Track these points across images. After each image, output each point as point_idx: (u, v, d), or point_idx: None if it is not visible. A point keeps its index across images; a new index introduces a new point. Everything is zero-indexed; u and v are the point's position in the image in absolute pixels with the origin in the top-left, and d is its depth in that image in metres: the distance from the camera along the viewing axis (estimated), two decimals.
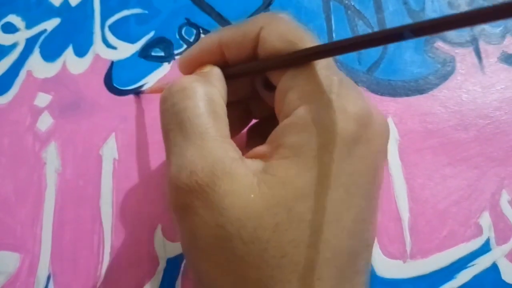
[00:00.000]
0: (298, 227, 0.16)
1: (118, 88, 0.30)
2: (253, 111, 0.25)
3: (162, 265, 0.25)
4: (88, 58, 0.30)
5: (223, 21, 0.31)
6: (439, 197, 0.27)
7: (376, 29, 0.31)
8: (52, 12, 0.32)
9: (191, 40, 0.31)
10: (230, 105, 0.20)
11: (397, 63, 0.30)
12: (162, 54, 0.31)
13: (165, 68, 0.30)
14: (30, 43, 0.31)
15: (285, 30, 0.18)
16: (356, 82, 0.27)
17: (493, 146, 0.28)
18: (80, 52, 0.31)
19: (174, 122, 0.18)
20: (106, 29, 0.31)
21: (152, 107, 0.29)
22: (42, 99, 0.29)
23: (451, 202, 0.26)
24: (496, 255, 0.25)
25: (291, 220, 0.16)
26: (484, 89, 0.29)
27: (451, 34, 0.31)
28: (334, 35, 0.31)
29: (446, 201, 0.26)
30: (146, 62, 0.30)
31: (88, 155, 0.28)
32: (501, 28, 0.31)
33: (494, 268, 0.25)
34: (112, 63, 0.30)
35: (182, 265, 0.25)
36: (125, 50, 0.31)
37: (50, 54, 0.30)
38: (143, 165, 0.28)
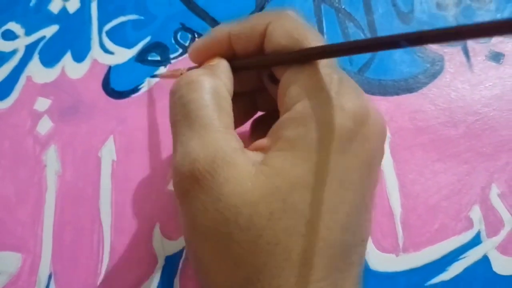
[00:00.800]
0: (292, 217, 0.17)
1: (116, 91, 0.30)
2: (259, 103, 0.25)
3: (160, 263, 0.26)
4: (86, 63, 0.31)
5: (217, 25, 0.32)
6: (430, 192, 0.27)
7: (366, 31, 0.32)
8: (50, 19, 0.33)
9: (186, 44, 0.32)
10: (236, 96, 0.21)
11: (387, 63, 0.31)
12: (158, 58, 0.31)
13: (162, 72, 0.31)
14: (29, 50, 0.32)
15: (291, 27, 0.19)
16: None
17: (482, 141, 0.28)
18: (79, 57, 0.31)
19: (181, 113, 0.19)
20: (104, 35, 0.32)
21: (147, 111, 0.30)
22: (42, 104, 0.30)
23: (442, 197, 0.27)
24: (487, 247, 0.26)
25: (285, 210, 0.17)
26: (472, 86, 0.30)
27: None
28: (325, 37, 0.32)
29: (437, 196, 0.27)
30: (143, 67, 0.31)
31: (87, 157, 0.29)
32: None
33: (485, 260, 0.26)
34: (110, 67, 0.31)
35: (181, 262, 0.26)
36: (122, 55, 0.32)
37: (49, 60, 0.31)
38: (141, 166, 0.28)
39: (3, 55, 0.31)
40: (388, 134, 0.29)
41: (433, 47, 0.31)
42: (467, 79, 0.30)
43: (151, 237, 0.26)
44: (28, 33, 0.32)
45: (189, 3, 0.33)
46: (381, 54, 0.31)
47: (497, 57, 0.31)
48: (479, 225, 0.27)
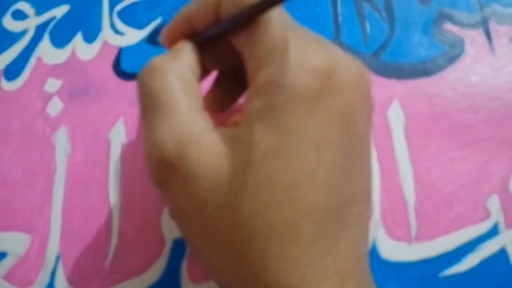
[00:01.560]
0: (267, 188, 0.16)
1: (126, 73, 0.30)
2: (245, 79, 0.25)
3: (168, 245, 0.26)
4: (97, 44, 0.31)
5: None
6: (447, 181, 0.26)
7: (383, 12, 0.31)
8: None
9: None
10: (223, 75, 0.21)
11: (404, 45, 0.29)
12: None
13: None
14: (40, 30, 0.31)
15: None
16: None
17: (504, 128, 0.27)
18: (89, 38, 0.31)
19: (146, 101, 0.19)
20: (115, 16, 0.32)
21: None
22: (52, 85, 0.30)
23: (459, 186, 0.26)
24: (505, 239, 0.25)
25: (259, 182, 0.16)
26: (494, 70, 0.28)
27: (461, 15, 0.30)
28: (340, 18, 0.31)
29: (454, 184, 0.26)
30: (154, 48, 0.31)
31: (97, 139, 0.28)
32: None
33: (502, 253, 0.25)
34: (120, 49, 0.31)
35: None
36: (133, 36, 0.31)
37: (59, 41, 0.31)
38: None
39: (13, 35, 0.31)
40: (403, 120, 0.28)
41: (454, 29, 0.30)
42: (489, 63, 0.29)
43: (159, 220, 0.26)
44: (38, 13, 0.32)
45: None
46: (398, 36, 0.30)
47: None
48: (497, 216, 0.25)
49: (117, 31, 0.31)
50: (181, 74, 0.19)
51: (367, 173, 0.19)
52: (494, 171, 0.26)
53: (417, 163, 0.27)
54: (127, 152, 0.28)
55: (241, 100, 0.25)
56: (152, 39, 0.31)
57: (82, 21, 0.31)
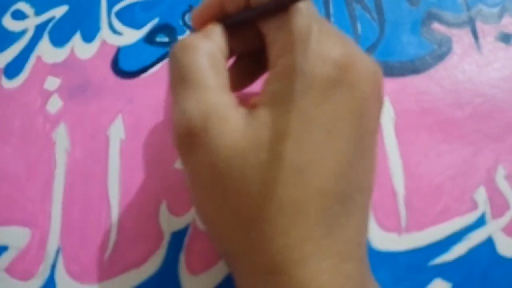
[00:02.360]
0: (279, 167, 0.17)
1: (124, 71, 0.31)
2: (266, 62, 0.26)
3: (166, 239, 0.26)
4: (95, 43, 0.32)
5: None
6: (435, 173, 0.27)
7: (373, 13, 0.32)
8: None
9: None
10: (242, 57, 0.22)
11: (394, 45, 0.30)
12: (167, 39, 0.32)
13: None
14: (39, 30, 0.32)
15: None
16: None
17: (489, 123, 0.28)
18: (88, 38, 0.32)
19: (178, 76, 0.20)
20: (113, 16, 0.32)
21: (155, 91, 0.30)
22: (52, 83, 0.31)
23: (446, 178, 0.27)
24: (491, 229, 0.26)
25: (272, 160, 0.17)
26: (480, 68, 0.30)
27: (448, 15, 0.31)
28: (332, 19, 0.32)
29: (441, 176, 0.27)
30: (151, 47, 0.31)
31: (96, 136, 0.29)
32: (498, 8, 0.31)
33: (489, 242, 0.26)
34: (119, 48, 0.31)
35: (186, 238, 0.26)
36: (131, 36, 0.32)
37: (58, 40, 0.32)
38: (148, 145, 0.29)
39: (13, 35, 0.32)
40: (393, 115, 0.28)
41: (441, 29, 0.31)
42: (475, 61, 0.30)
43: (157, 213, 0.27)
44: (37, 13, 0.33)
45: None
46: (388, 36, 0.31)
47: (506, 38, 0.30)
48: (484, 206, 0.26)
49: (115, 31, 0.32)
50: (211, 53, 0.20)
51: (372, 168, 0.20)
52: (480, 163, 0.27)
53: (406, 157, 0.28)
54: (125, 149, 0.29)
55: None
56: (149, 38, 0.32)
57: (81, 21, 0.32)
